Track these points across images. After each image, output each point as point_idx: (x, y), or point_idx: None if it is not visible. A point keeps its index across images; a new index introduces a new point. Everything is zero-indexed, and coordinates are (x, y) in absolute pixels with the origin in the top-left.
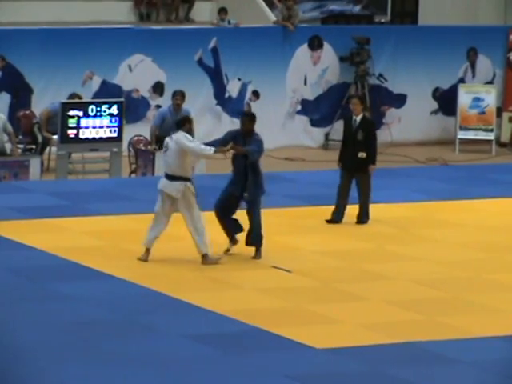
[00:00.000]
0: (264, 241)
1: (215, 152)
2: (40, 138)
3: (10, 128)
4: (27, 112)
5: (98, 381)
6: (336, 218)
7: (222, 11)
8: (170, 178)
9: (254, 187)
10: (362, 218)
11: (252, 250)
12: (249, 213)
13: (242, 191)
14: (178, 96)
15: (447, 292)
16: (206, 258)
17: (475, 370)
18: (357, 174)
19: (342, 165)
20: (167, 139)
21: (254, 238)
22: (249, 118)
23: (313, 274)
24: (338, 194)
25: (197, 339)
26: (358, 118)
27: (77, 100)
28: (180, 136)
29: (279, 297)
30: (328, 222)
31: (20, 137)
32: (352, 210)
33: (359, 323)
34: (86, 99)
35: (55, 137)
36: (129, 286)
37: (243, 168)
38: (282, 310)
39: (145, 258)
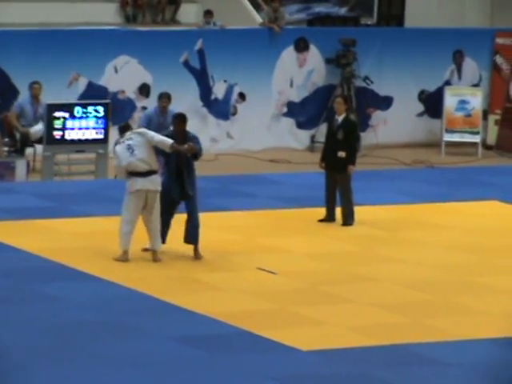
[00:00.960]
0: (249, 242)
1: (171, 146)
2: (18, 136)
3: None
4: (8, 114)
5: (83, 382)
6: (328, 219)
7: (208, 13)
8: (146, 174)
9: (193, 185)
10: (347, 220)
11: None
12: (190, 211)
13: (180, 191)
14: (165, 99)
15: (434, 294)
16: (157, 255)
17: (461, 373)
18: (337, 174)
19: (325, 165)
20: (127, 142)
21: (195, 236)
22: (181, 120)
23: (299, 275)
24: (326, 195)
25: (183, 341)
26: (340, 118)
27: (36, 87)
28: (141, 130)
29: (265, 299)
30: (320, 220)
31: (6, 139)
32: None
33: (346, 325)
34: (71, 101)
35: (33, 129)
36: (114, 287)
37: (178, 168)
38: (268, 311)
39: (125, 258)
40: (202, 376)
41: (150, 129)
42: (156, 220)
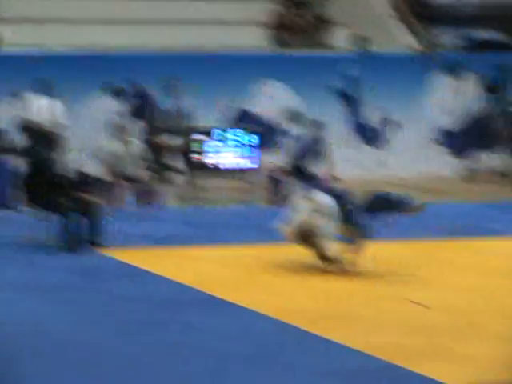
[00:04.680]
0: (399, 274)
1: None
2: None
3: (146, 155)
4: (156, 140)
5: None
6: None
7: (362, 39)
8: None
9: None
10: None
11: None
12: None
13: None
14: (317, 127)
15: None
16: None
17: None
18: None
19: None
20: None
21: None
22: None
23: (452, 310)
24: None
25: (328, 376)
26: None
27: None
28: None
29: (416, 332)
30: None
31: (149, 164)
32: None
33: (501, 361)
34: (221, 127)
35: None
36: (263, 319)
37: None
38: (418, 345)
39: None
40: None
41: (303, 157)
42: None
